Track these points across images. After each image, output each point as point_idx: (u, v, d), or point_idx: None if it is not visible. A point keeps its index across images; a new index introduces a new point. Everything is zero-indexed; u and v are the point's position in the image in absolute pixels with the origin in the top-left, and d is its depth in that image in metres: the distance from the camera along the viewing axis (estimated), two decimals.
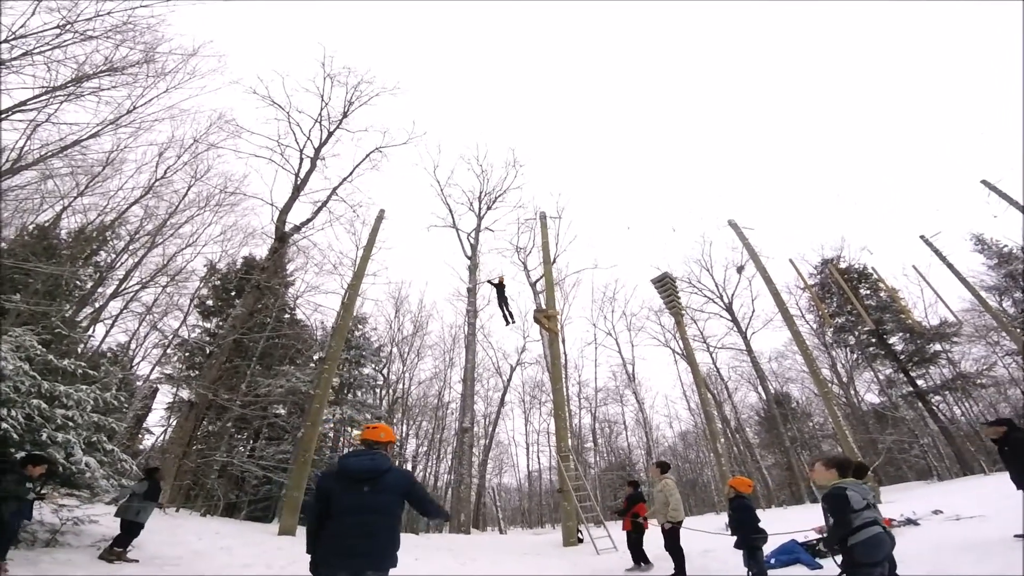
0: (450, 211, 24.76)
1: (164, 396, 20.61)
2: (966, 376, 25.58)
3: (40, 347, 6.75)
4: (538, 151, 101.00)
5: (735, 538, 5.84)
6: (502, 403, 34.52)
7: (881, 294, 28.11)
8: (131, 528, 6.91)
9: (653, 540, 7.89)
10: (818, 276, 30.83)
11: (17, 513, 5.51)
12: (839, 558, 3.46)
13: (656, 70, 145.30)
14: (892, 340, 26.83)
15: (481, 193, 25.48)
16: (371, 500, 3.09)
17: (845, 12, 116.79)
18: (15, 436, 5.64)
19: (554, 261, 21.33)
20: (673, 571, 6.95)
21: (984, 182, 20.35)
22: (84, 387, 6.83)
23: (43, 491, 6.14)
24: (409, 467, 32.95)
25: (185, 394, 17.49)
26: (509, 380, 34.91)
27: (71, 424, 6.39)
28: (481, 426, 34.69)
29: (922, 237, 23.51)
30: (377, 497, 3.11)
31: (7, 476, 5.48)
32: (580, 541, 12.09)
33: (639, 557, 7.98)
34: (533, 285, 24.68)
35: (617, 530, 9.61)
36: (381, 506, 3.10)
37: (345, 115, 22.48)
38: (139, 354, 21.17)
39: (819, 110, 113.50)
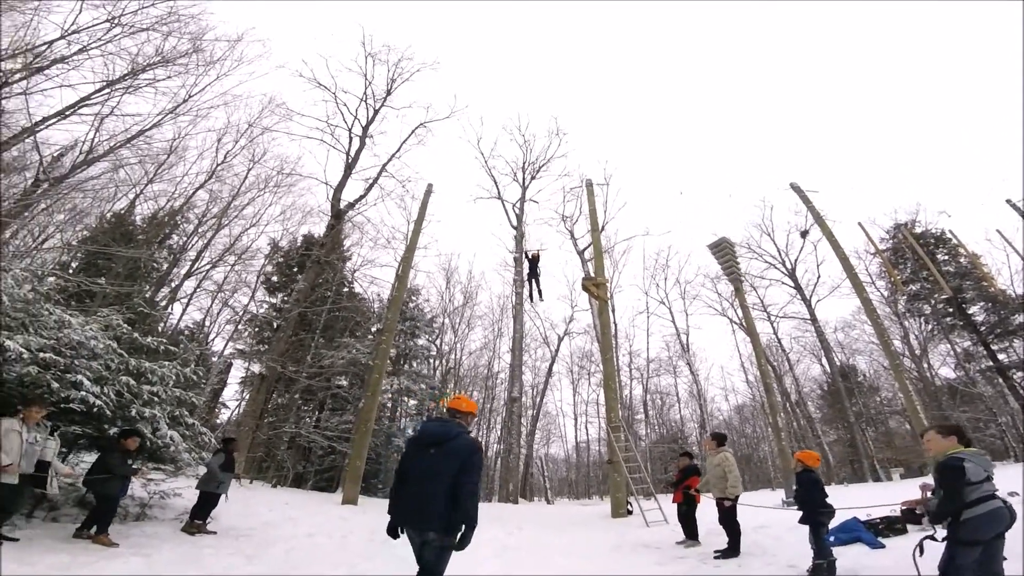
0: (495, 182, 24.76)
1: (237, 371, 22.18)
2: None
3: (126, 326, 7.28)
4: (583, 118, 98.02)
5: (800, 513, 5.70)
6: (550, 373, 34.82)
7: (961, 260, 25.84)
8: (209, 499, 7.28)
9: (706, 514, 7.82)
10: (890, 241, 28.63)
11: (123, 489, 6.04)
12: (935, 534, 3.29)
13: (708, 26, 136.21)
14: (972, 310, 24.64)
15: (525, 163, 25.27)
16: (436, 463, 3.21)
17: None
18: (108, 413, 6.02)
19: (602, 229, 20.97)
20: (727, 545, 6.91)
21: None
22: (167, 363, 7.27)
23: (137, 466, 6.57)
24: None
25: (256, 368, 18.65)
26: (557, 350, 35.07)
27: (156, 399, 6.77)
28: (529, 396, 35.26)
29: (1008, 201, 21.38)
30: (442, 461, 3.21)
31: (112, 455, 5.91)
32: (630, 513, 12.16)
33: (691, 531, 7.95)
34: (581, 253, 24.41)
35: (667, 503, 9.58)
36: (445, 469, 3.17)
37: (389, 92, 22.78)
38: (213, 330, 22.85)
39: (888, 64, 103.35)
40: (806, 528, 5.62)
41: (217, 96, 16.25)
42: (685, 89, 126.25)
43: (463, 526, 3.10)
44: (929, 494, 3.51)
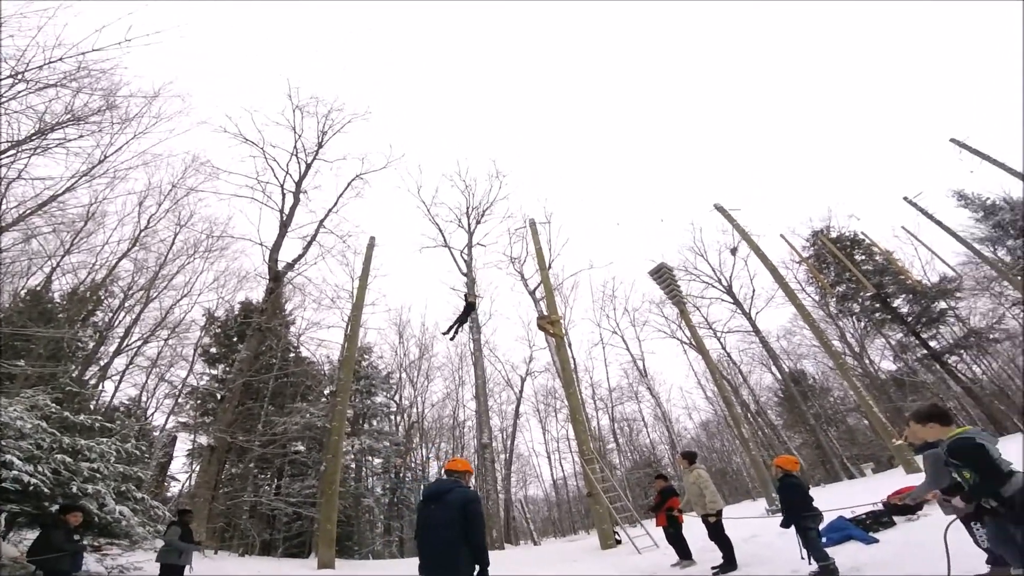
0: (440, 230, 24.71)
1: (183, 443, 20.55)
2: (977, 332, 25.43)
3: (54, 405, 6.80)
4: (520, 159, 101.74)
5: (781, 519, 5.69)
6: (517, 415, 34.30)
7: (877, 258, 28.11)
8: (173, 571, 6.91)
9: (693, 532, 7.75)
10: (811, 248, 30.81)
11: (74, 564, 5.74)
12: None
13: (627, 61, 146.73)
14: (896, 303, 26.68)
15: (468, 208, 25.45)
16: (436, 515, 3.66)
17: None
18: (46, 490, 5.90)
19: (549, 266, 21.25)
20: (722, 561, 6.81)
21: (953, 140, 20.65)
22: (104, 440, 6.89)
23: (82, 540, 6.22)
24: None
25: (204, 440, 17.42)
26: (521, 391, 34.75)
27: (98, 475, 6.53)
28: (499, 440, 34.44)
29: (905, 198, 23.69)
30: (441, 513, 3.65)
31: (55, 531, 5.66)
32: (618, 542, 11.87)
33: (683, 551, 7.82)
34: (532, 293, 24.59)
35: (653, 527, 9.43)
36: (444, 521, 3.60)
37: (320, 145, 22.38)
38: (152, 405, 21.15)
39: (790, 84, 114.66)
40: (792, 533, 5.61)
41: (136, 156, 15.23)
42: (612, 122, 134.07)
43: (479, 566, 3.55)
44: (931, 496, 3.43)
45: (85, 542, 6.27)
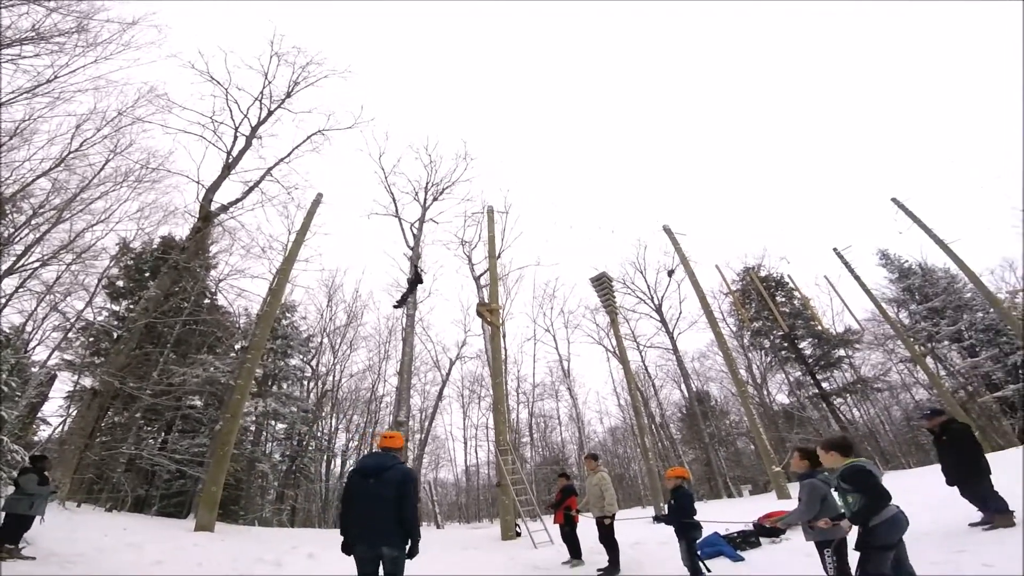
0: (393, 199, 23.85)
1: (63, 384, 18.61)
2: (865, 380, 28.24)
3: None
4: (488, 146, 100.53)
5: (672, 526, 5.85)
6: (440, 397, 34.11)
7: (795, 302, 30.49)
8: (19, 522, 6.32)
9: (586, 532, 8.08)
10: (740, 283, 32.85)
11: None
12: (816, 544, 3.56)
13: (606, 77, 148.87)
14: (802, 345, 29.04)
15: (428, 183, 24.74)
16: (375, 490, 3.90)
17: (773, 26, 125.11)
18: None
19: (499, 256, 21.27)
20: (607, 563, 7.17)
21: (894, 200, 22.41)
22: None
23: None
24: (338, 462, 31.91)
25: (88, 382, 15.91)
26: (448, 374, 34.55)
27: None
28: (417, 420, 34.19)
29: (835, 250, 25.72)
30: (382, 488, 3.90)
31: None
32: (518, 535, 12.17)
33: (575, 550, 8.15)
34: (477, 279, 24.42)
35: (551, 523, 9.76)
36: (383, 495, 3.87)
37: (289, 95, 21.21)
38: (36, 337, 18.95)
39: (756, 121, 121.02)
40: (675, 542, 5.88)
41: (89, 80, 14.01)
42: (582, 130, 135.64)
43: (411, 540, 3.92)
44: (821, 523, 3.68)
45: None
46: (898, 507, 3.35)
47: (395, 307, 17.84)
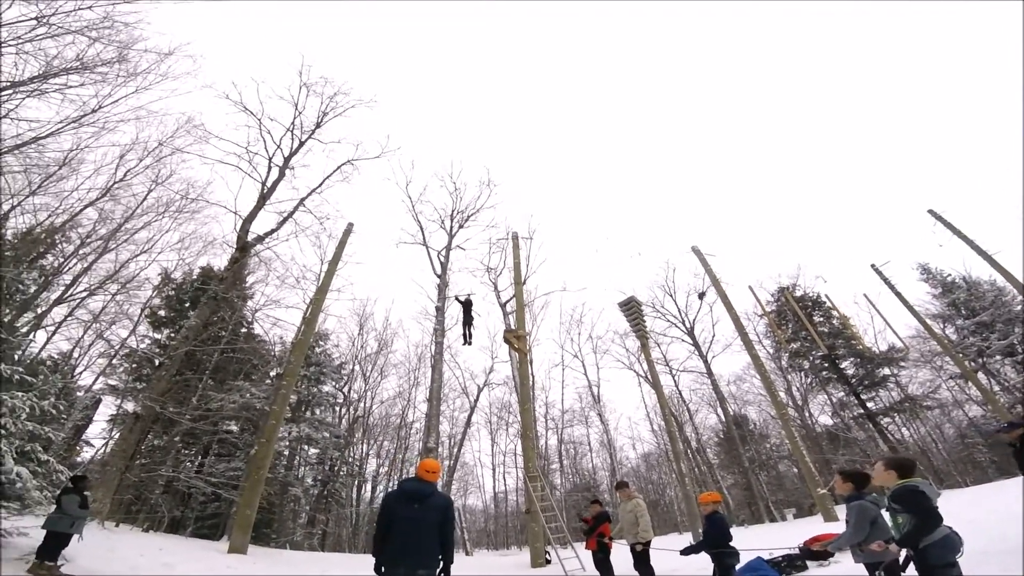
0: (420, 228, 24.38)
1: (107, 408, 19.38)
2: (913, 398, 26.85)
3: None
4: (512, 172, 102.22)
5: (706, 554, 5.68)
6: (468, 424, 33.97)
7: (834, 321, 29.43)
8: (59, 539, 6.46)
9: (620, 560, 7.81)
10: (775, 303, 31.98)
11: None
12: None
13: (628, 101, 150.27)
14: (844, 364, 27.94)
15: (453, 211, 25.25)
16: (420, 514, 4.03)
17: (808, 42, 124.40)
18: None
19: (524, 282, 21.35)
20: None
21: (931, 211, 21.61)
22: (20, 394, 6.32)
23: None
24: (368, 487, 31.94)
25: (130, 406, 16.46)
26: (476, 401, 34.43)
27: (3, 432, 5.94)
28: (446, 447, 34.07)
29: (873, 266, 24.84)
30: (424, 513, 4.05)
31: None
32: (548, 562, 11.88)
33: None
34: (503, 306, 24.53)
35: (583, 550, 9.48)
36: (427, 520, 4.03)
37: (319, 125, 22.05)
38: (82, 363, 19.88)
39: (784, 137, 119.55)
40: (710, 571, 5.64)
41: (131, 110, 14.86)
42: (605, 153, 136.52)
43: (443, 563, 4.10)
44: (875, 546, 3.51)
45: None
46: (950, 528, 3.19)
47: (465, 344, 18.18)
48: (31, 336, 15.49)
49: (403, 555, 3.91)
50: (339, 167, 22.21)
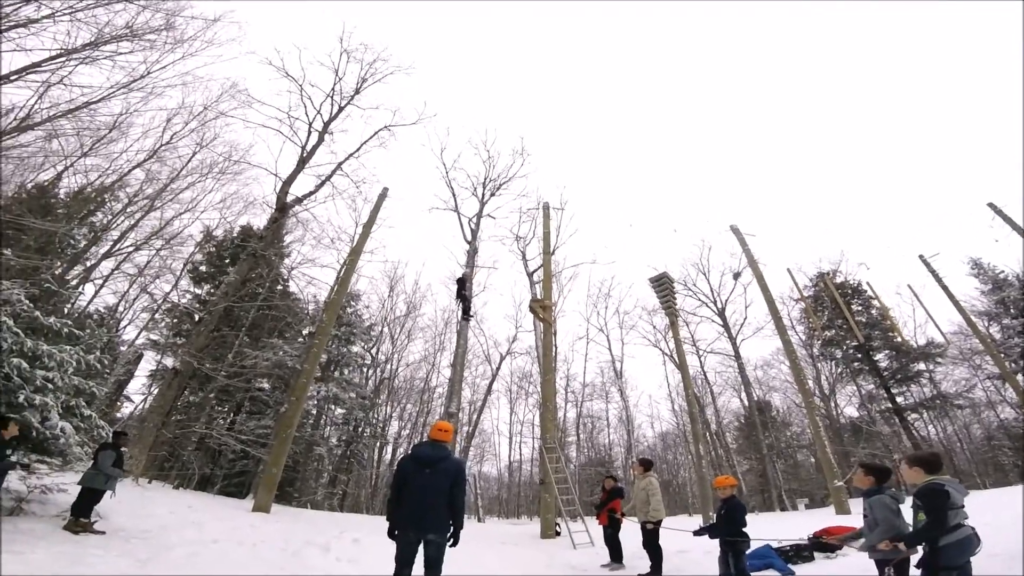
0: (453, 194, 24.32)
1: (147, 363, 20.43)
2: (945, 396, 25.96)
3: (28, 303, 6.48)
4: (545, 143, 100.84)
5: (718, 536, 5.70)
6: (489, 391, 34.53)
7: (872, 311, 28.39)
8: (93, 496, 6.59)
9: (629, 536, 7.95)
10: (812, 288, 30.98)
11: None
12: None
13: (670, 72, 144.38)
14: (878, 357, 27.06)
15: (486, 179, 25.02)
16: (432, 480, 4.16)
17: (863, 24, 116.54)
18: None
19: (553, 252, 21.15)
20: (649, 569, 7.03)
21: (991, 205, 20.43)
22: (68, 347, 6.56)
23: (13, 456, 5.78)
24: (389, 449, 33.08)
25: (170, 362, 17.31)
26: (498, 369, 34.88)
27: (51, 386, 6.10)
28: (466, 413, 34.77)
29: (921, 257, 23.73)
30: (436, 478, 4.17)
31: None
32: (558, 534, 12.18)
33: (616, 554, 8.05)
34: (531, 275, 24.47)
35: (593, 524, 9.69)
36: (439, 485, 4.16)
37: (357, 91, 22.04)
38: (127, 317, 20.97)
39: (831, 122, 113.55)
40: (717, 552, 5.69)
41: (178, 75, 15.19)
42: (643, 125, 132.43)
43: (453, 527, 4.24)
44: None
45: (15, 459, 5.82)
46: (972, 528, 3.17)
47: (465, 319, 18.24)
48: (80, 289, 16.42)
49: (413, 519, 4.07)
50: (376, 133, 22.24)
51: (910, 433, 24.67)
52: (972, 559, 3.18)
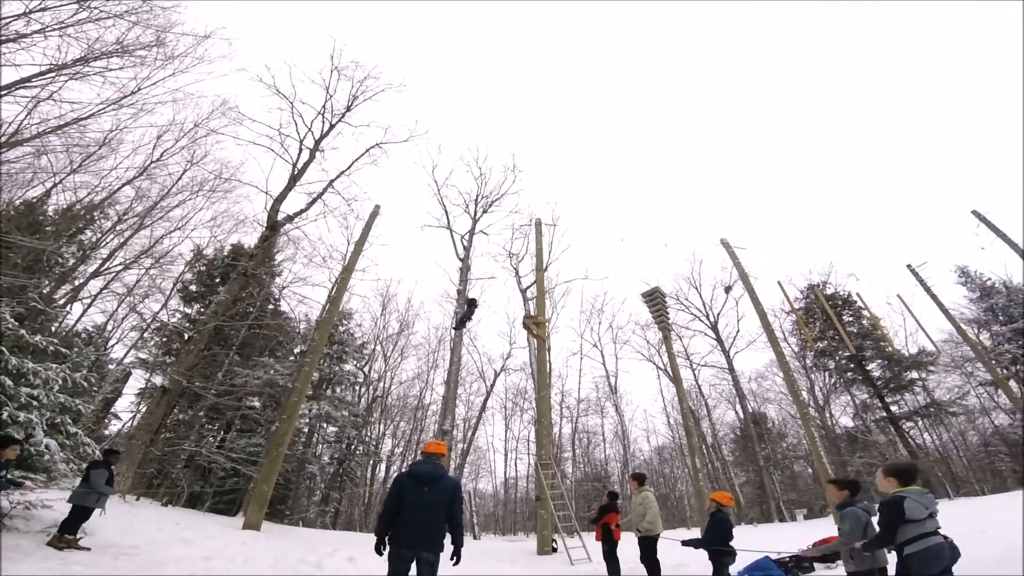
0: (445, 211, 24.54)
1: (136, 381, 20.11)
2: (939, 404, 26.10)
3: (13, 321, 6.41)
4: (537, 160, 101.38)
5: (698, 540, 5.94)
6: (483, 408, 34.30)
7: (863, 321, 28.63)
8: (82, 513, 6.53)
9: (628, 551, 7.83)
10: (804, 300, 31.23)
11: None
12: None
13: (660, 88, 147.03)
14: (870, 366, 27.25)
15: (478, 196, 25.30)
16: (430, 497, 4.11)
17: (849, 36, 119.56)
18: None
19: (546, 269, 21.29)
20: None
21: (975, 212, 20.74)
22: (54, 366, 6.50)
23: (8, 476, 5.72)
24: (383, 467, 32.64)
25: (159, 380, 17.08)
26: (492, 385, 34.72)
27: (35, 403, 6.05)
28: (461, 430, 34.46)
29: (909, 266, 24.02)
30: (434, 496, 4.12)
31: None
32: (555, 550, 12.00)
33: (614, 569, 7.90)
34: (524, 291, 24.58)
35: (591, 540, 9.54)
36: (437, 503, 4.11)
37: (348, 109, 22.32)
38: (115, 336, 20.69)
39: (818, 135, 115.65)
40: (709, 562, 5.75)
41: (168, 92, 15.37)
42: (634, 141, 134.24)
43: (454, 544, 4.18)
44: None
45: (9, 477, 5.79)
46: (944, 538, 3.14)
47: (456, 329, 18.20)
48: (68, 308, 16.20)
49: (410, 537, 4.00)
50: (368, 150, 22.48)
51: (906, 441, 24.73)
52: (972, 564, 3.17)
